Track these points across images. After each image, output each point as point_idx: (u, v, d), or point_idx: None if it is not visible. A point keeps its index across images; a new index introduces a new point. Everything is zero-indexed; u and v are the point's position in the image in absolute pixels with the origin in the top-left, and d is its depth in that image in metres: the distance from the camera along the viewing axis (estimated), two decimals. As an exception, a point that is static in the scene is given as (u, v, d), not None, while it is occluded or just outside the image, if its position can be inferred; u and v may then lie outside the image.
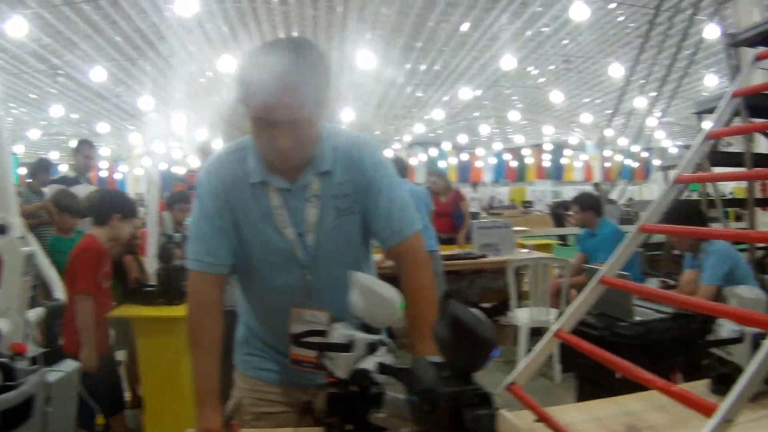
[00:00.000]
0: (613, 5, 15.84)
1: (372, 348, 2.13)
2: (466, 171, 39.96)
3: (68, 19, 17.22)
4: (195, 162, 28.72)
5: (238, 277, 2.76)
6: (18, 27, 14.23)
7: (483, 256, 9.03)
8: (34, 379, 2.57)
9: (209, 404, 2.49)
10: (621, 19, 17.09)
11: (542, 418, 2.34)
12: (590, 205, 8.52)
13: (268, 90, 2.26)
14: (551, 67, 22.27)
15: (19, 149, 29.99)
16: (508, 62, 17.51)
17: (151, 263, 6.48)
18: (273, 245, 2.58)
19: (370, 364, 2.08)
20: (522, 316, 7.94)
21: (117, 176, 34.23)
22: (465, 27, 17.97)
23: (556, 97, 23.06)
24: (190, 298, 2.67)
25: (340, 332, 2.22)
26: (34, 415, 2.61)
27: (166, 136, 17.64)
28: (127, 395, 6.43)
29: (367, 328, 2.22)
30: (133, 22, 17.77)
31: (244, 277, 2.74)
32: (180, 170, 33.24)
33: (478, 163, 41.40)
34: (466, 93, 22.14)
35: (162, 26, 17.79)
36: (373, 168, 2.66)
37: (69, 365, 2.85)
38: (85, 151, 8.29)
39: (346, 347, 2.14)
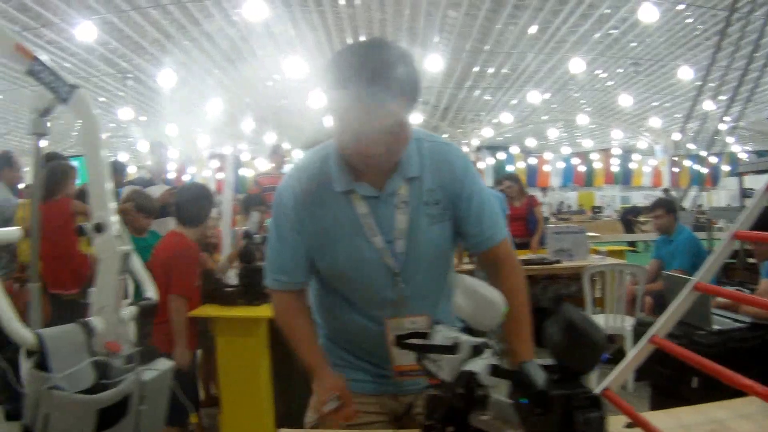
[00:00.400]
0: (681, 6, 15.60)
1: (477, 350, 2.08)
2: (533, 175, 39.73)
3: (136, 24, 17.44)
4: (263, 165, 28.92)
5: (321, 288, 2.71)
6: (87, 32, 14.45)
7: (557, 262, 8.91)
8: (130, 378, 2.57)
9: (324, 369, 2.53)
10: (689, 21, 16.82)
11: (639, 423, 2.30)
12: (674, 209, 8.42)
13: (358, 96, 2.17)
14: (620, 70, 22.03)
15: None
16: (576, 65, 17.38)
17: (224, 264, 6.52)
18: (362, 254, 2.51)
19: (476, 366, 2.03)
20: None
21: (185, 178, 34.55)
22: (533, 29, 17.86)
23: (625, 100, 22.82)
24: (275, 312, 2.69)
25: (443, 334, 2.17)
26: (129, 414, 2.62)
27: (234, 139, 17.70)
28: (201, 394, 6.46)
29: (469, 331, 2.19)
30: (200, 26, 17.93)
31: (331, 287, 2.67)
32: (248, 172, 33.62)
33: (546, 168, 41.18)
34: (534, 96, 22.01)
35: (230, 30, 17.93)
36: (463, 173, 2.61)
37: (163, 364, 2.85)
38: (159, 152, 8.35)
39: (451, 349, 2.09)
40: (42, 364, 2.40)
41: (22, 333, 2.40)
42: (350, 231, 2.48)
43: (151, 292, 3.33)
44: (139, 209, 6.24)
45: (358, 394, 2.63)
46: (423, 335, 2.25)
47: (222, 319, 5.36)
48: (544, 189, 31.53)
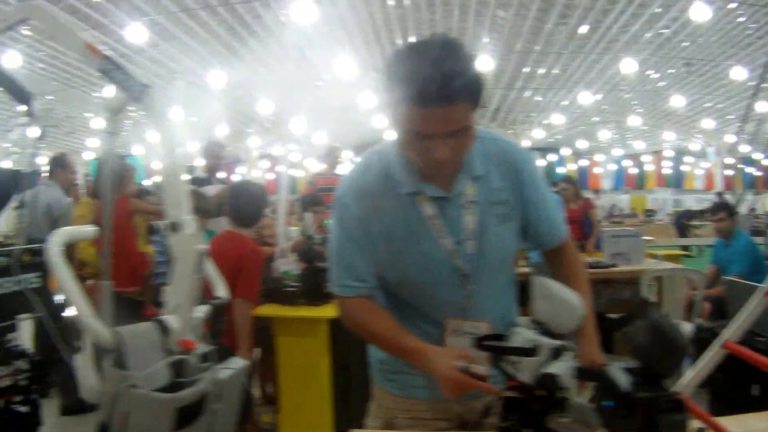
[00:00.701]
0: (733, 5, 15.39)
1: (557, 353, 2.07)
2: (584, 177, 39.15)
3: (185, 25, 17.56)
4: (313, 165, 28.98)
5: (383, 293, 2.61)
6: (137, 33, 14.58)
7: (613, 266, 8.82)
8: (208, 377, 2.58)
9: (431, 348, 2.35)
10: (742, 19, 16.57)
11: (713, 428, 2.29)
12: (735, 213, 8.32)
13: (427, 100, 2.09)
14: (671, 71, 21.78)
15: (139, 151, 30.58)
16: (627, 65, 17.21)
17: (278, 263, 6.53)
18: (430, 257, 2.45)
19: (556, 368, 2.03)
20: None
21: (235, 178, 34.77)
22: (583, 29, 17.73)
23: (677, 101, 22.56)
24: (349, 320, 2.59)
25: (523, 336, 2.17)
26: (206, 413, 2.63)
27: (284, 140, 17.77)
28: (257, 393, 6.47)
29: (548, 334, 2.18)
30: (249, 27, 18.02)
31: (394, 292, 2.60)
32: (297, 173, 33.71)
33: (597, 170, 40.76)
34: (585, 97, 21.80)
35: (279, 31, 18.00)
36: (530, 172, 2.58)
37: (238, 363, 2.87)
38: (214, 151, 8.36)
39: (531, 351, 2.08)
40: (120, 362, 2.41)
41: (102, 331, 2.42)
42: (417, 233, 2.44)
43: (222, 291, 3.35)
44: (195, 210, 6.27)
45: (421, 400, 2.61)
46: (500, 338, 2.25)
47: (283, 319, 5.36)
48: (596, 191, 31.24)
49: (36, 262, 3.98)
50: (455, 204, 2.44)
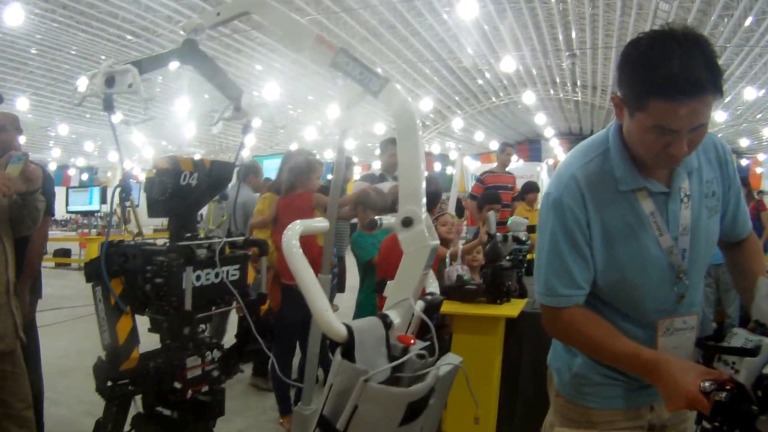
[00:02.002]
0: None
1: None
2: (745, 178, 37.94)
3: (346, 24, 17.79)
4: (470, 163, 29.08)
5: (596, 300, 2.58)
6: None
7: (786, 274, 8.54)
8: (433, 372, 2.57)
9: (670, 360, 2.23)
10: None
11: None
12: None
13: (683, 95, 2.07)
14: (841, 62, 21.07)
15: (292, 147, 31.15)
16: (794, 58, 16.68)
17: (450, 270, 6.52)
18: (648, 254, 2.43)
19: None
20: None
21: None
22: (748, 21, 17.24)
23: None
24: (569, 332, 2.57)
25: (743, 336, 2.13)
26: (428, 408, 2.63)
27: (442, 137, 17.89)
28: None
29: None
30: (410, 26, 18.12)
31: (604, 295, 2.58)
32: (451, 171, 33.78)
33: (759, 170, 39.54)
34: (749, 93, 21.18)
35: (440, 28, 18.07)
36: (731, 162, 2.58)
37: (454, 358, 2.85)
38: (391, 150, 8.40)
39: (753, 352, 2.05)
40: (349, 355, 2.42)
41: (336, 325, 2.43)
42: (637, 231, 2.42)
43: (435, 287, 3.34)
44: (369, 206, 6.28)
45: (620, 410, 2.60)
46: (718, 338, 2.20)
47: (461, 316, 5.35)
48: (759, 192, 30.44)
49: (235, 255, 4.06)
50: (674, 199, 2.43)
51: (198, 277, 3.76)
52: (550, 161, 37.52)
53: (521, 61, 21.29)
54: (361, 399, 2.32)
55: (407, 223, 2.77)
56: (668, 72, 2.07)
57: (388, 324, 2.65)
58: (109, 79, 3.69)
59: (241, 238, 4.19)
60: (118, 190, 3.70)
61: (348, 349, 2.41)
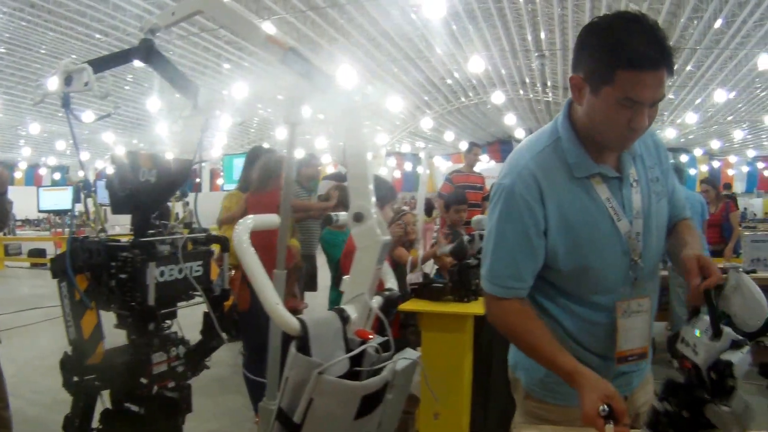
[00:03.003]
0: None
1: (737, 344, 2.05)
2: (716, 180, 38.21)
3: (314, 23, 17.80)
4: (441, 163, 29.15)
5: (538, 292, 2.61)
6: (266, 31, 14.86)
7: (753, 271, 8.56)
8: (389, 366, 2.59)
9: (585, 372, 2.26)
10: None
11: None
12: None
13: (652, 63, 2.15)
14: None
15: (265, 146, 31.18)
16: (764, 61, 16.81)
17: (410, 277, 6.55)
18: (607, 240, 2.45)
19: (735, 357, 2.02)
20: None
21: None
22: (718, 23, 17.38)
23: (817, 99, 22.02)
24: (502, 321, 2.56)
25: (706, 321, 2.14)
26: (383, 402, 2.65)
27: (412, 137, 17.92)
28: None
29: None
30: (378, 25, 18.15)
31: (566, 282, 2.57)
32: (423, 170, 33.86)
33: (730, 171, 39.93)
34: (719, 95, 21.36)
35: (408, 28, 18.10)
36: (664, 149, 2.70)
37: (412, 354, 2.87)
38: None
39: (716, 335, 2.07)
40: (304, 349, 2.44)
41: (288, 319, 2.46)
42: (596, 217, 2.44)
43: (393, 283, 3.36)
44: (339, 203, 6.30)
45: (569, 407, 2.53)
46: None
47: (429, 314, 5.38)
48: (731, 194, 30.70)
49: (198, 251, 4.09)
50: (626, 184, 2.49)
51: (162, 273, 3.78)
52: (521, 161, 37.73)
53: (490, 61, 21.38)
54: (316, 392, 2.34)
55: (358, 218, 2.81)
56: (635, 44, 2.14)
57: (344, 318, 2.68)
58: (67, 78, 3.73)
59: (203, 234, 4.20)
60: (81, 186, 3.73)
61: (303, 342, 2.44)
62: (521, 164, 2.48)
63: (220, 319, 3.98)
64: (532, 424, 2.64)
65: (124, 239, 4.00)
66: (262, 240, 5.90)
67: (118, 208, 3.89)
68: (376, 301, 2.98)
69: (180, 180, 4.13)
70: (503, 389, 5.18)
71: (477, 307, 5.35)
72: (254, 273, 2.54)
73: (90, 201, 3.88)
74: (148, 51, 4.00)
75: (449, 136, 26.38)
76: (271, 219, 2.99)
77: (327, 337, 2.54)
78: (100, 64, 3.90)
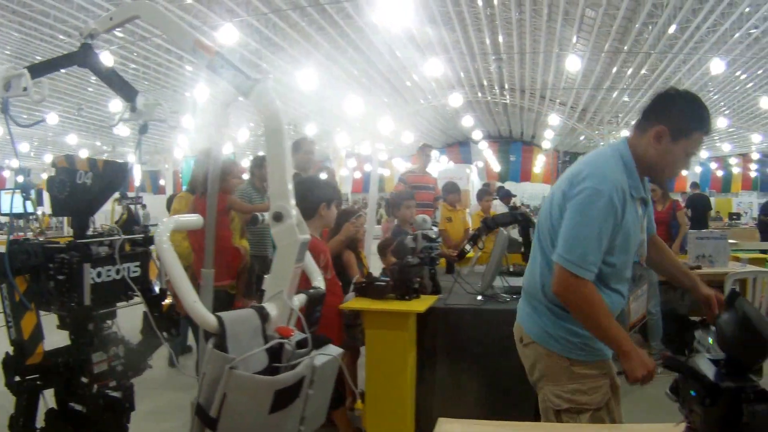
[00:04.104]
0: (826, 3, 15.16)
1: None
2: (671, 179, 38.41)
3: (275, 26, 17.79)
4: (400, 164, 29.11)
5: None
6: (228, 34, 14.86)
7: (698, 267, 8.69)
8: (305, 362, 2.67)
9: (637, 348, 3.02)
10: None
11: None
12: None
13: (708, 133, 3.16)
14: (760, 71, 21.52)
15: (227, 149, 31.04)
16: (715, 66, 17.01)
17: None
18: (636, 244, 3.34)
19: None
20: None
21: (322, 176, 35.03)
22: (672, 29, 17.58)
23: (765, 103, 22.23)
24: (588, 302, 3.08)
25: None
26: (300, 397, 2.72)
27: (372, 139, 17.92)
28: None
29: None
30: (340, 28, 18.17)
31: (611, 272, 3.24)
32: (385, 172, 33.88)
33: (683, 172, 40.20)
34: (673, 98, 21.54)
35: (369, 31, 18.12)
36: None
37: (333, 350, 2.96)
38: (306, 147, 8.41)
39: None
40: (221, 345, 2.52)
41: (206, 316, 2.53)
42: (635, 227, 3.24)
43: (319, 281, 3.44)
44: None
45: (608, 360, 3.32)
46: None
47: (372, 312, 5.44)
48: (683, 194, 30.74)
49: (136, 252, 4.13)
50: (649, 206, 3.45)
51: (99, 274, 3.82)
52: (480, 164, 37.85)
53: (449, 64, 21.45)
54: (229, 386, 2.42)
55: (278, 218, 2.89)
56: (708, 118, 3.12)
57: (264, 316, 2.76)
58: (6, 84, 3.78)
59: (141, 236, 4.25)
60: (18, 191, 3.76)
61: (220, 339, 2.52)
62: (615, 178, 3.11)
63: (158, 319, 4.02)
64: (581, 385, 3.27)
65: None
66: (203, 241, 5.99)
67: (57, 210, 3.94)
68: (300, 299, 3.06)
69: (116, 182, 4.17)
70: (448, 382, 5.31)
71: (417, 305, 5.46)
72: (173, 272, 2.61)
73: (29, 204, 3.91)
74: (87, 55, 4.04)
75: (408, 137, 26.39)
76: (193, 220, 3.06)
77: (245, 334, 2.62)
78: (39, 70, 3.95)
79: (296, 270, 2.96)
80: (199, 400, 2.56)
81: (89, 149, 34.12)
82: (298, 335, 2.83)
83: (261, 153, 10.73)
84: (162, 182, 40.19)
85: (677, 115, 3.09)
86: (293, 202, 2.96)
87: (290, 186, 2.98)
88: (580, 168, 3.22)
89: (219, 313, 2.58)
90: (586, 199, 3.08)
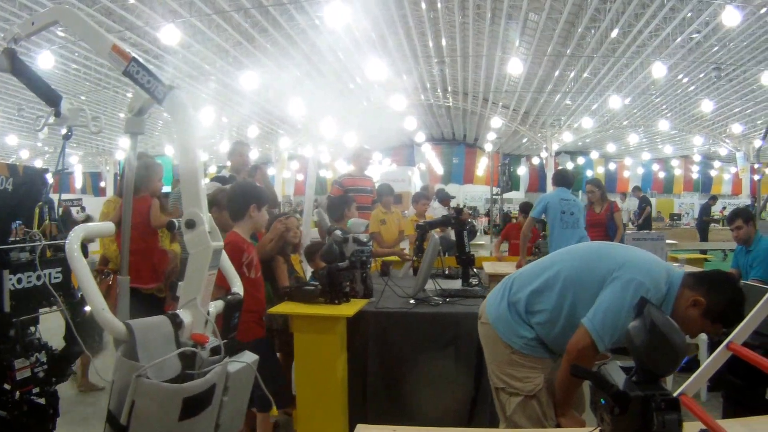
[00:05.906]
0: (764, 10, 15.36)
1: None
2: (613, 181, 39.49)
3: (219, 27, 17.71)
4: (343, 167, 29.07)
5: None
6: (170, 35, 14.79)
7: (635, 267, 8.76)
8: (217, 369, 2.64)
9: (573, 412, 3.65)
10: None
11: (713, 430, 2.32)
12: (752, 219, 8.25)
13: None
14: (701, 75, 21.81)
15: (168, 151, 30.90)
16: (657, 70, 17.21)
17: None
18: None
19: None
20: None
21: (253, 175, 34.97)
22: (614, 33, 17.78)
23: (706, 106, 22.59)
24: (585, 364, 3.11)
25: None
26: (213, 404, 2.69)
27: (315, 141, 17.89)
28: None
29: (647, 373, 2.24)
30: (283, 30, 18.12)
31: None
32: (327, 174, 33.82)
33: (626, 173, 40.90)
34: (614, 101, 21.82)
35: (312, 33, 18.09)
36: None
37: (248, 357, 2.93)
38: (240, 150, 8.38)
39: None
40: (131, 353, 2.48)
41: (114, 323, 2.49)
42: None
43: (238, 287, 3.41)
44: (222, 208, 6.28)
45: (546, 359, 3.77)
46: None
47: (301, 317, 5.41)
48: (625, 195, 31.05)
49: (57, 257, 4.08)
50: None
51: (19, 280, 3.77)
52: (422, 166, 37.95)
53: (392, 66, 21.47)
54: (137, 394, 2.39)
55: (190, 225, 2.85)
56: (736, 322, 3.00)
57: (177, 323, 2.72)
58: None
59: (64, 241, 4.19)
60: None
61: (130, 346, 2.48)
62: (657, 278, 3.48)
63: (79, 325, 3.96)
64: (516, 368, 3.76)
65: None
66: (138, 245, 5.91)
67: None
68: (217, 306, 3.03)
69: (35, 189, 4.12)
70: (379, 384, 5.29)
71: (347, 309, 5.41)
72: (83, 279, 2.57)
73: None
74: (10, 60, 3.98)
75: (352, 139, 26.38)
76: (105, 227, 3.01)
77: (157, 341, 2.59)
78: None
79: (210, 277, 2.92)
80: (110, 407, 2.52)
81: (30, 150, 33.76)
82: (213, 342, 2.79)
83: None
84: (102, 184, 39.94)
85: (721, 304, 3.28)
86: (206, 208, 2.92)
87: (202, 193, 2.94)
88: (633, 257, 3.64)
89: (129, 321, 2.53)
90: (625, 285, 3.43)
